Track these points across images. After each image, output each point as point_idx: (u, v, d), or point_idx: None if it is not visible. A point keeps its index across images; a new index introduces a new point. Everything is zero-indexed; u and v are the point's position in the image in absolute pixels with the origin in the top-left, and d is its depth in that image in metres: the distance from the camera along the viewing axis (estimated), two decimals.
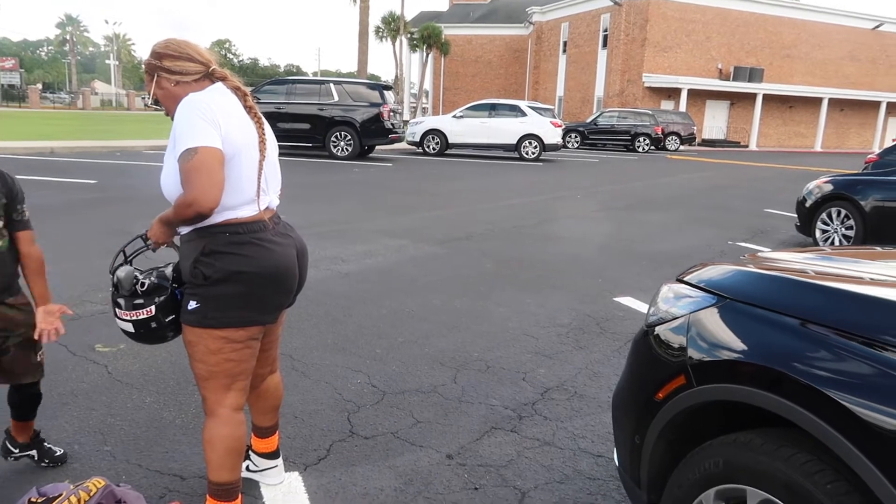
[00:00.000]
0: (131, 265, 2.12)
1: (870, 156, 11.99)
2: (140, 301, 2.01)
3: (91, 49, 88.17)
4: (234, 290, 1.93)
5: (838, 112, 36.83)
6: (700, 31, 34.51)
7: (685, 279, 1.98)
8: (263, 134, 2.03)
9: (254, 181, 1.99)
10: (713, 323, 1.73)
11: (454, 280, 5.53)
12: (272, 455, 2.45)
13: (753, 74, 34.87)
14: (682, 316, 1.83)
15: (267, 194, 2.05)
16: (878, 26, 38.48)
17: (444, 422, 3.02)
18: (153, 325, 2.02)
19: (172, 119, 1.93)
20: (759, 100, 34.43)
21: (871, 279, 1.91)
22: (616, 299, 5.08)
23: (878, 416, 1.27)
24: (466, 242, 7.07)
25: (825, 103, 35.34)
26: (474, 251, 6.69)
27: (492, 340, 4.11)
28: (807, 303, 1.59)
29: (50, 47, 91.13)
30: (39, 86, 68.22)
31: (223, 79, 2.02)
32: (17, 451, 2.49)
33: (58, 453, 2.53)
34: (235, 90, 2.01)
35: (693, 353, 1.72)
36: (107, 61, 70.39)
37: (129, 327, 2.05)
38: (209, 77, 2.01)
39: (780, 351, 1.52)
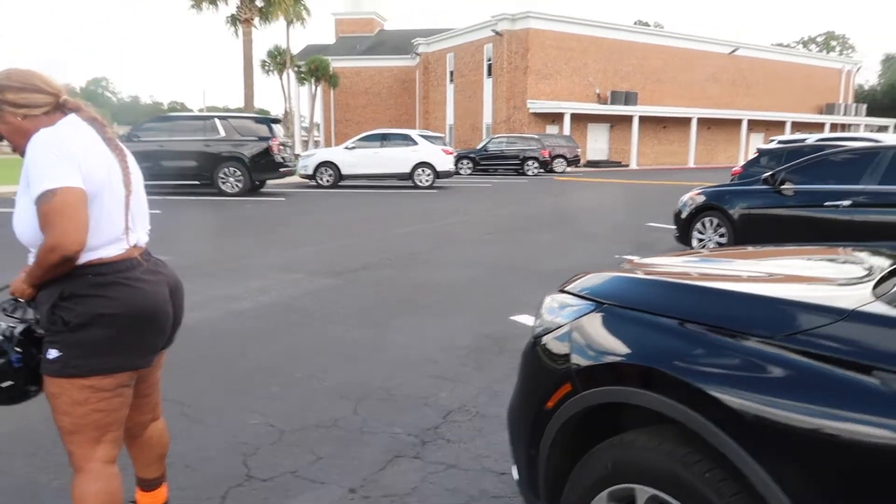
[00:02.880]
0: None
1: (735, 168, 12.99)
2: None
3: None
4: (99, 335, 1.80)
5: (706, 130, 39.76)
6: (578, 59, 36.41)
7: (567, 289, 2.04)
8: (127, 167, 1.93)
9: (120, 219, 1.88)
10: (594, 328, 1.79)
11: (351, 311, 5.45)
12: None
13: (629, 98, 37.11)
14: (565, 324, 1.89)
15: (135, 231, 1.95)
16: (734, 51, 42.12)
17: (346, 455, 2.94)
18: None
19: (23, 157, 1.80)
20: (636, 121, 36.62)
21: (746, 276, 2.05)
22: (513, 318, 5.18)
23: (746, 404, 1.34)
24: (363, 272, 7.02)
25: (694, 122, 38.06)
26: (371, 281, 6.64)
27: (392, 368, 4.07)
28: (680, 303, 1.68)
29: None
30: None
31: (76, 109, 1.89)
32: None
33: None
34: (92, 121, 1.89)
35: (577, 360, 1.77)
36: None
37: None
38: (60, 109, 1.87)
39: (655, 350, 1.59)
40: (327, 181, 18.50)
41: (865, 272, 1.82)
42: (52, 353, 1.80)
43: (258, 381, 3.84)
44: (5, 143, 1.94)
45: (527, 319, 5.12)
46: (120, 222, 1.88)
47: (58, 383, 1.82)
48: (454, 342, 4.60)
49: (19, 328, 1.90)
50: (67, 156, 1.74)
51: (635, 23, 55.76)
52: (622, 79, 37.79)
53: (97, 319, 1.79)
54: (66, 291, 1.79)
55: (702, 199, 7.93)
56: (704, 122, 38.55)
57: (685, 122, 38.11)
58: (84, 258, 1.80)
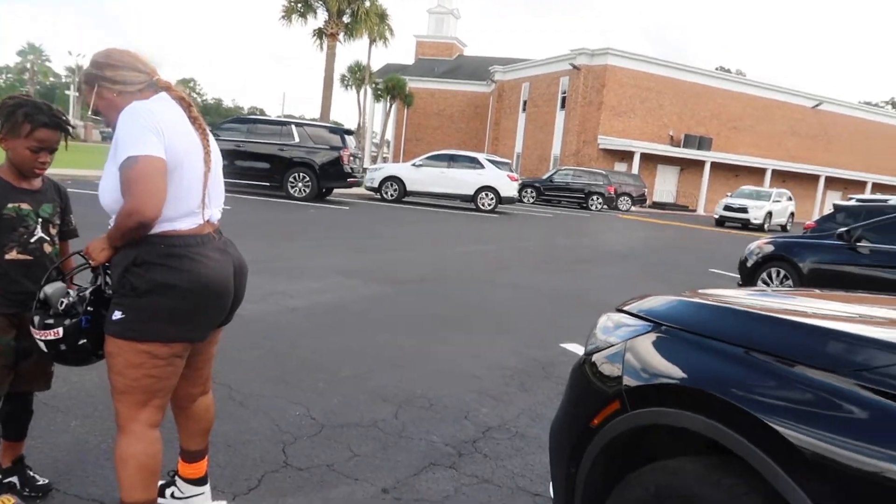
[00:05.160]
0: (69, 283, 2.05)
1: (808, 222, 12.53)
2: (50, 321, 1.94)
3: (52, 79, 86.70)
4: (162, 304, 1.86)
5: (781, 183, 38.56)
6: (653, 99, 36.01)
7: (625, 308, 2.01)
8: (208, 146, 2.01)
9: (197, 193, 1.96)
10: (649, 349, 1.75)
11: (402, 319, 5.49)
12: (199, 481, 2.34)
13: (702, 142, 36.39)
14: (619, 343, 1.85)
15: (209, 207, 2.02)
16: (817, 105, 40.83)
17: (382, 456, 2.95)
18: (62, 346, 1.94)
19: (113, 130, 1.90)
20: (708, 167, 35.86)
21: (813, 312, 1.98)
22: (562, 345, 5.11)
23: (811, 441, 1.28)
24: (418, 284, 7.06)
25: (769, 174, 36.98)
26: (425, 293, 6.67)
27: (436, 379, 4.07)
28: (746, 330, 1.62)
29: (9, 75, 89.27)
30: None
31: (167, 88, 1.99)
32: None
33: (40, 482, 2.37)
34: (180, 100, 1.99)
35: (628, 379, 1.73)
36: (66, 92, 69.18)
37: (43, 346, 1.97)
38: (153, 87, 1.98)
39: (716, 376, 1.54)
40: (391, 195, 18.76)
41: None
42: (117, 315, 1.88)
43: (305, 375, 3.89)
44: (99, 126, 2.06)
45: (577, 348, 5.04)
46: (197, 197, 1.96)
47: (117, 343, 1.89)
48: (501, 362, 4.56)
49: (90, 290, 1.99)
50: (152, 127, 1.83)
51: (716, 68, 54.84)
52: (697, 122, 37.14)
53: (162, 288, 1.86)
54: (138, 258, 1.86)
55: (770, 248, 7.68)
56: (779, 175, 37.41)
57: (759, 172, 37.09)
58: (158, 228, 1.87)
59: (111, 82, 1.96)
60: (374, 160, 40.63)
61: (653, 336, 1.77)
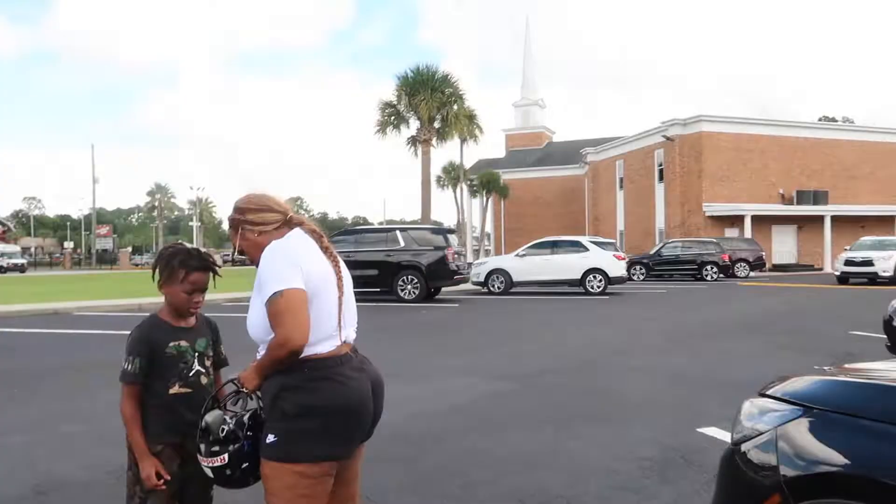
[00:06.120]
0: (224, 410, 2.22)
1: None
2: (216, 448, 2.07)
3: (176, 213, 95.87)
4: (310, 425, 1.97)
5: None
6: (757, 160, 34.85)
7: (768, 392, 1.94)
8: (340, 272, 2.19)
9: (334, 317, 2.11)
10: (803, 435, 1.67)
11: (529, 415, 5.42)
12: None
13: (818, 197, 34.51)
14: (768, 431, 1.78)
15: (345, 329, 2.17)
16: None
17: None
18: (228, 472, 2.06)
19: (257, 266, 2.11)
20: (828, 221, 33.83)
21: None
22: (700, 430, 4.85)
23: None
24: (539, 378, 6.98)
25: None
26: (548, 386, 6.58)
27: (571, 476, 3.95)
28: None
29: (140, 213, 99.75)
30: (129, 249, 73.81)
31: (301, 224, 2.21)
32: None
33: None
34: (312, 233, 2.19)
35: (786, 469, 1.66)
36: (190, 223, 76.08)
37: (209, 472, 2.11)
38: (288, 224, 2.20)
39: (880, 460, 1.46)
40: (498, 287, 18.88)
41: None
42: (270, 438, 2.01)
43: (438, 481, 3.90)
44: (220, 251, 2.29)
45: (715, 432, 4.77)
46: (333, 321, 2.11)
47: (272, 466, 2.01)
48: (636, 452, 4.37)
49: (247, 415, 2.15)
50: (293, 262, 2.02)
51: (819, 118, 52.63)
52: (808, 177, 35.41)
53: (309, 410, 1.99)
54: (286, 383, 2.01)
55: None
56: None
57: (888, 220, 34.53)
58: (302, 353, 2.03)
59: (252, 224, 2.20)
60: (476, 254, 41.27)
61: (805, 421, 1.70)
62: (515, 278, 18.86)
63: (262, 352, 2.10)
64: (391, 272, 16.29)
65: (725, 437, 4.62)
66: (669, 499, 3.57)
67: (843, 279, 23.12)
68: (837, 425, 1.63)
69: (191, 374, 2.42)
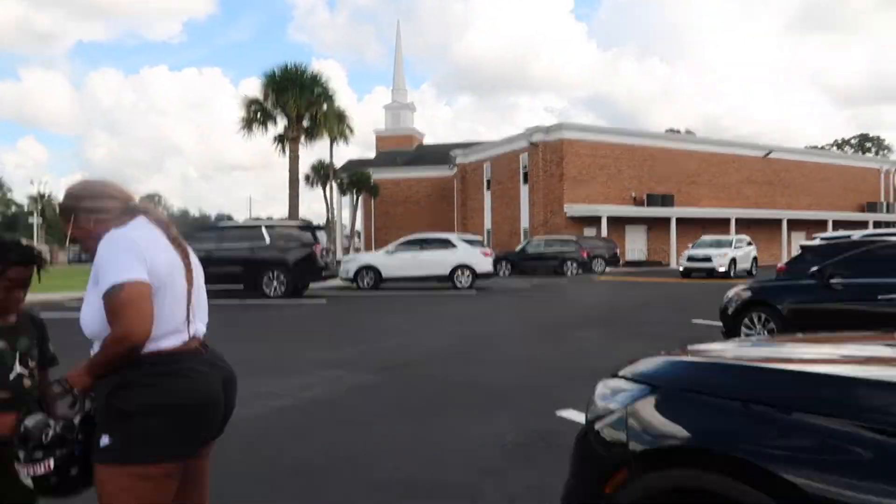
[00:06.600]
0: (50, 414, 1.99)
1: (779, 265, 12.78)
2: (38, 455, 1.85)
3: (14, 208, 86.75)
4: (152, 424, 1.81)
5: (746, 230, 39.56)
6: (612, 165, 37.22)
7: (620, 374, 2.01)
8: (190, 263, 2.02)
9: (181, 311, 1.95)
10: (651, 412, 1.74)
11: (394, 407, 5.38)
12: None
13: (665, 200, 37.43)
14: (619, 409, 1.84)
15: (194, 323, 2.01)
16: (767, 154, 42.56)
17: None
18: (53, 479, 1.86)
19: (93, 258, 1.90)
20: (674, 223, 36.71)
21: (802, 358, 1.99)
22: (559, 414, 5.04)
23: (822, 487, 1.27)
24: (406, 370, 6.96)
25: (733, 222, 37.94)
26: (413, 377, 6.58)
27: (437, 463, 3.96)
28: (744, 384, 1.63)
29: None
30: None
31: (144, 212, 2.01)
32: None
33: None
34: (158, 222, 2.01)
35: (634, 445, 1.72)
36: (30, 220, 69.21)
37: (29, 482, 1.88)
38: (130, 213, 2.00)
39: (720, 433, 1.54)
40: (368, 283, 18.76)
41: None
42: (104, 440, 1.81)
43: (299, 476, 3.76)
44: (67, 250, 2.06)
45: (574, 415, 4.97)
46: (181, 314, 1.95)
47: (107, 470, 1.82)
48: (500, 438, 4.46)
49: (78, 417, 1.93)
50: (134, 252, 1.84)
51: (667, 131, 57.04)
52: (657, 182, 38.27)
53: (150, 409, 1.81)
54: (121, 380, 1.83)
55: (748, 294, 7.79)
56: (743, 223, 38.39)
57: (724, 222, 38.04)
58: (144, 348, 1.85)
59: (88, 212, 1.98)
60: (346, 251, 40.82)
61: (652, 399, 1.77)
62: (385, 274, 18.83)
63: (96, 349, 1.89)
64: (256, 269, 15.70)
65: (582, 418, 4.83)
66: (531, 479, 3.66)
67: (686, 273, 25.32)
68: (680, 401, 1.71)
69: (11, 378, 2.15)
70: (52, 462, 1.84)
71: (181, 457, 1.90)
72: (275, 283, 15.69)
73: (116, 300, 1.77)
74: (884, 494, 1.17)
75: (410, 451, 4.25)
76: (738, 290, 8.02)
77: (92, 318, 1.86)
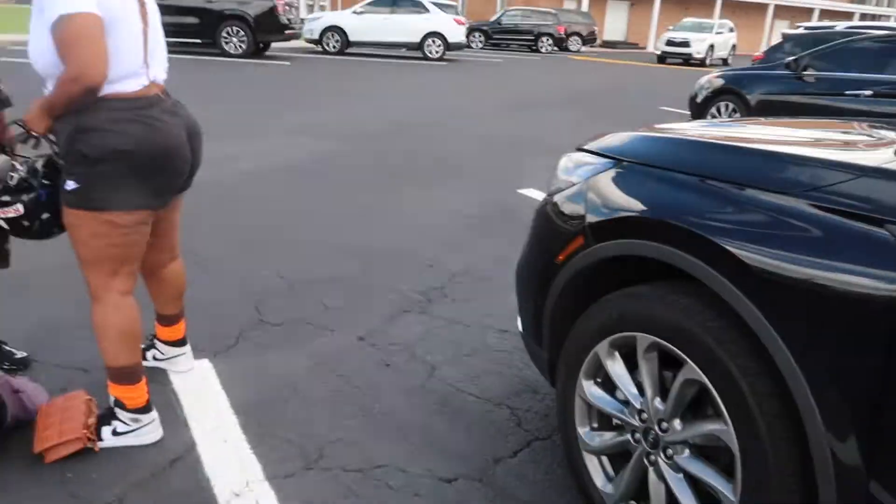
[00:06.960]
0: (12, 156, 1.94)
1: (757, 53, 12.53)
2: (7, 198, 1.85)
3: None
4: (117, 171, 1.80)
5: (730, 14, 37.98)
6: None
7: (585, 147, 2.03)
8: (143, 1, 1.87)
9: (138, 52, 1.84)
10: (610, 185, 1.79)
11: (358, 176, 5.45)
12: (179, 343, 2.41)
13: None
14: (580, 182, 1.89)
15: (153, 67, 1.91)
16: None
17: (354, 307, 3.06)
18: (25, 223, 1.88)
19: None
20: (658, 1, 34.84)
21: (761, 138, 2.04)
22: (520, 191, 5.20)
23: (760, 258, 1.36)
24: (372, 140, 6.95)
25: (718, 5, 36.26)
26: (378, 148, 6.59)
27: (398, 232, 4.14)
28: (702, 160, 1.66)
29: None
30: None
31: None
32: None
33: (18, 355, 2.38)
34: None
35: (591, 216, 1.79)
36: None
37: (3, 224, 1.90)
38: None
39: (674, 206, 1.60)
40: (334, 47, 17.86)
41: (885, 139, 1.81)
42: (70, 185, 1.81)
43: (267, 237, 3.91)
44: None
45: (534, 193, 5.14)
46: (138, 55, 1.84)
47: (76, 214, 1.84)
48: (461, 211, 4.63)
49: (40, 161, 1.91)
50: None
51: None
52: None
53: (115, 155, 1.79)
54: (82, 124, 1.77)
55: (720, 82, 7.72)
56: (728, 6, 36.71)
57: (708, 4, 36.29)
58: (101, 91, 1.77)
59: None
60: (310, 9, 38.14)
61: (612, 172, 1.81)
62: (352, 37, 17.85)
63: (49, 88, 1.81)
64: (213, 21, 14.61)
65: (542, 196, 5.02)
66: (488, 251, 3.88)
67: (662, 58, 24.63)
68: (640, 175, 1.75)
69: None
70: (20, 206, 1.86)
71: (150, 206, 1.93)
72: (234, 39, 14.77)
73: (66, 33, 1.66)
74: (824, 268, 1.27)
75: (373, 221, 4.40)
76: (710, 77, 7.93)
77: (41, 53, 1.75)
